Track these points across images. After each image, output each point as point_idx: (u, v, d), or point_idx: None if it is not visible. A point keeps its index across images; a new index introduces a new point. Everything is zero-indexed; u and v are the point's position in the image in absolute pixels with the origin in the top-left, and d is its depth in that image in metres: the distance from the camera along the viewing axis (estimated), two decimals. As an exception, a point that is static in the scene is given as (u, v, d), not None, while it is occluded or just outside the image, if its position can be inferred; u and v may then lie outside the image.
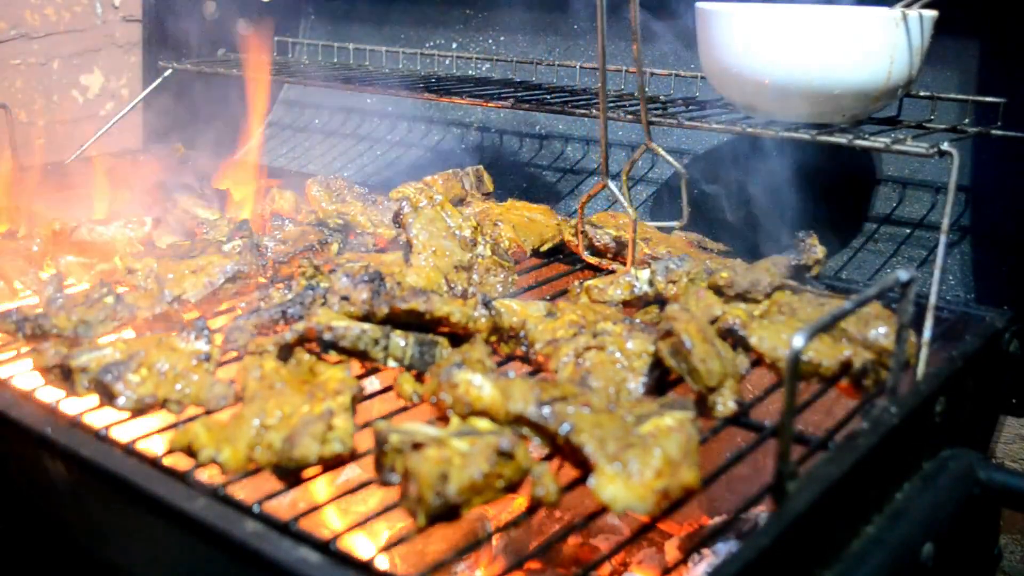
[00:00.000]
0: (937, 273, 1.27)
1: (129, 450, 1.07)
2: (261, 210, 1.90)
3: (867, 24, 1.40)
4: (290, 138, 2.65)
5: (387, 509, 0.96)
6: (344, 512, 1.46)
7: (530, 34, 2.27)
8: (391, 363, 1.19)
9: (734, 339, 1.24)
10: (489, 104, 1.86)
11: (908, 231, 1.73)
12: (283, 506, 1.39)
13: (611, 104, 1.79)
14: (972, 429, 1.41)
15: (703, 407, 1.12)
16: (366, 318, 1.23)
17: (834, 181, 1.84)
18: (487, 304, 1.25)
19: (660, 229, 1.70)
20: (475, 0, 2.33)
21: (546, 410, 0.99)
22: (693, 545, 1.23)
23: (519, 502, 1.44)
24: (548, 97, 1.88)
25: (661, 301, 1.42)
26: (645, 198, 2.04)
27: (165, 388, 1.15)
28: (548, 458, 1.05)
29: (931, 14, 1.43)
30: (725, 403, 1.12)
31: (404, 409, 1.20)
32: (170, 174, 2.14)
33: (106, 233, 1.69)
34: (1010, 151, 1.58)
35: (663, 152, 1.63)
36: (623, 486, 0.91)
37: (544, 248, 1.74)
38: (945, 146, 1.33)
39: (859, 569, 0.98)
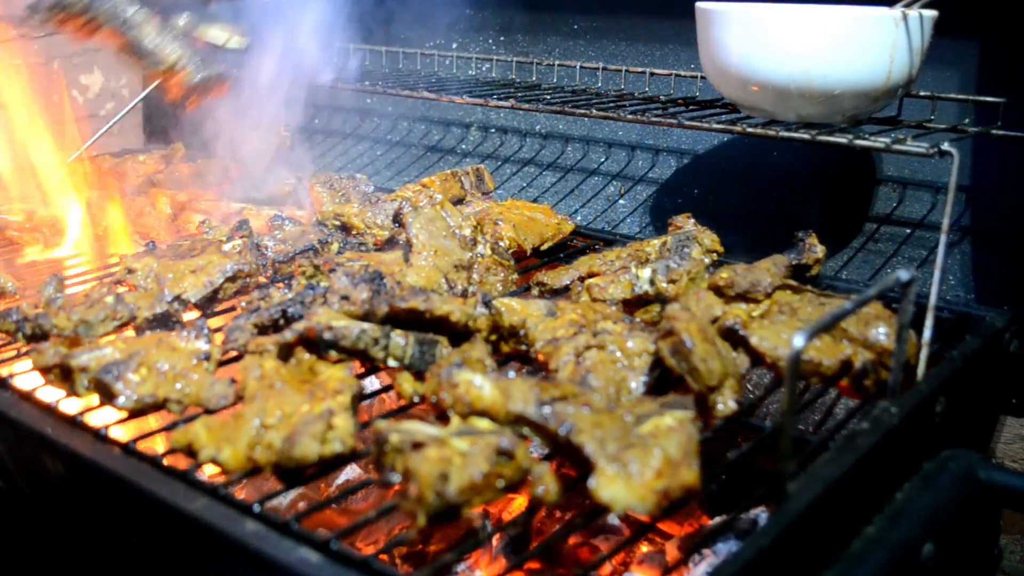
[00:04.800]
0: (937, 273, 1.27)
1: (129, 450, 1.07)
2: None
3: (867, 24, 1.40)
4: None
5: (387, 509, 0.96)
6: (344, 511, 1.46)
7: (530, 34, 2.28)
8: (391, 363, 1.19)
9: (734, 339, 1.24)
10: (489, 104, 1.86)
11: (908, 231, 1.73)
12: (283, 506, 1.39)
13: (611, 104, 1.79)
14: (972, 429, 1.41)
15: (703, 407, 1.12)
16: (366, 317, 1.23)
17: (834, 181, 1.84)
18: (487, 303, 1.25)
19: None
20: (475, 0, 2.33)
21: (546, 410, 0.99)
22: (693, 545, 1.23)
23: (519, 502, 1.44)
24: (548, 97, 1.88)
25: (662, 300, 1.42)
26: (645, 198, 2.04)
27: (165, 388, 1.15)
28: (548, 458, 1.05)
29: (931, 14, 1.43)
30: (725, 403, 1.12)
31: (403, 409, 1.20)
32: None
33: None
34: (1010, 151, 1.58)
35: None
36: (623, 486, 0.91)
37: (544, 247, 1.74)
38: (945, 146, 1.33)
39: (859, 569, 0.98)
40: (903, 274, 1.01)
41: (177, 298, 1.42)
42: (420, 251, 1.52)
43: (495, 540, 1.34)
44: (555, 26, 2.23)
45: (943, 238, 1.29)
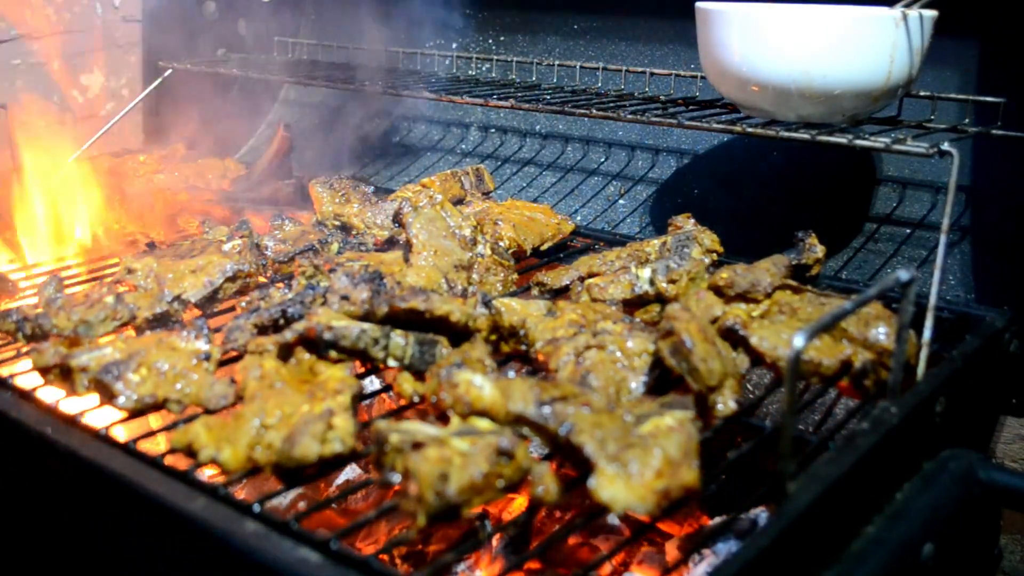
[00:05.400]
0: (937, 273, 1.27)
1: (129, 450, 1.07)
2: None
3: (867, 24, 1.40)
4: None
5: (387, 509, 0.96)
6: (344, 511, 1.46)
7: (530, 34, 2.27)
8: (391, 363, 1.19)
9: (734, 339, 1.24)
10: (489, 104, 1.86)
11: (908, 231, 1.73)
12: (283, 506, 1.39)
13: (611, 104, 1.79)
14: (972, 429, 1.41)
15: (703, 407, 1.12)
16: (366, 318, 1.23)
17: (834, 181, 1.84)
18: (487, 303, 1.25)
19: None
20: (475, 0, 2.33)
21: (546, 410, 0.99)
22: (693, 545, 1.23)
23: (519, 502, 1.44)
24: (548, 97, 1.88)
25: (662, 300, 1.42)
26: (645, 198, 2.04)
27: (165, 388, 1.15)
28: (548, 458, 1.05)
29: (931, 14, 1.43)
30: (725, 403, 1.12)
31: (403, 409, 1.20)
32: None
33: None
34: (1010, 151, 1.58)
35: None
36: (623, 486, 0.91)
37: (544, 247, 1.74)
38: (945, 146, 1.33)
39: (859, 569, 0.98)
40: (903, 274, 1.01)
41: (177, 298, 1.42)
42: (420, 251, 1.52)
43: (495, 540, 1.34)
44: (555, 26, 2.23)
45: (943, 238, 1.29)
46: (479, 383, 1.04)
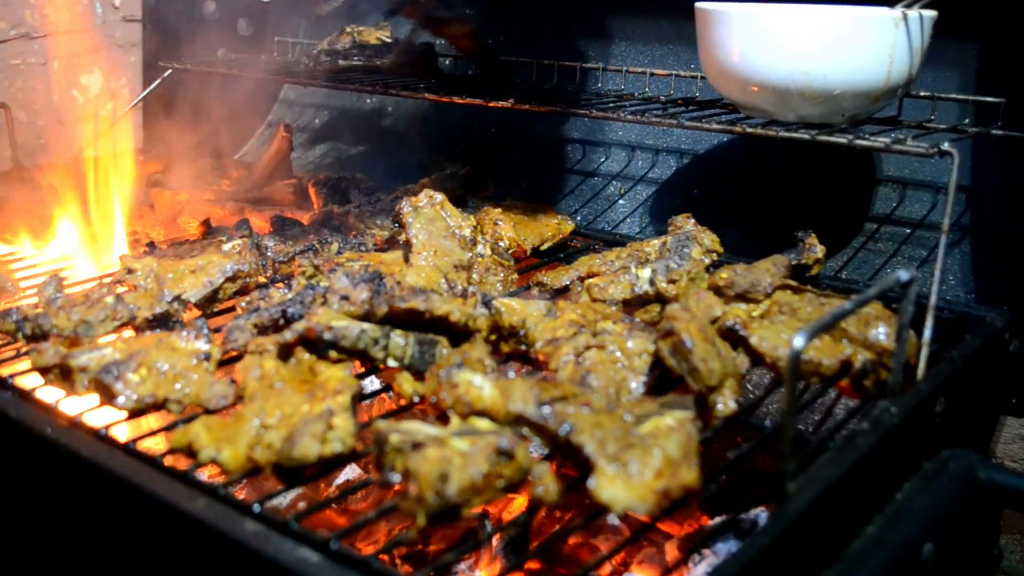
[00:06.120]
0: (937, 273, 1.27)
1: (129, 450, 1.07)
2: None
3: (867, 24, 1.40)
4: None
5: (387, 509, 0.96)
6: (344, 511, 1.46)
7: (530, 34, 2.27)
8: (391, 363, 1.19)
9: (734, 339, 1.24)
10: (489, 104, 1.86)
11: (908, 231, 1.73)
12: (283, 506, 1.39)
13: (611, 104, 1.79)
14: (972, 429, 1.41)
15: (703, 407, 1.12)
16: (366, 318, 1.23)
17: (834, 181, 1.84)
18: (487, 303, 1.25)
19: None
20: (475, 0, 2.33)
21: (546, 410, 0.99)
22: (693, 545, 1.23)
23: (519, 502, 1.44)
24: (549, 97, 1.88)
25: (662, 300, 1.42)
26: (645, 198, 2.04)
27: (165, 388, 1.15)
28: (548, 458, 1.05)
29: (931, 14, 1.43)
30: (725, 403, 1.12)
31: (403, 409, 1.20)
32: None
33: None
34: (1010, 151, 1.58)
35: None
36: (623, 486, 0.91)
37: (544, 247, 1.74)
38: (945, 146, 1.33)
39: (859, 569, 0.98)
40: (903, 274, 1.01)
41: (177, 298, 1.42)
42: (420, 251, 1.52)
43: (495, 540, 1.34)
44: (555, 26, 2.23)
45: (943, 238, 1.29)
46: (479, 383, 1.04)
